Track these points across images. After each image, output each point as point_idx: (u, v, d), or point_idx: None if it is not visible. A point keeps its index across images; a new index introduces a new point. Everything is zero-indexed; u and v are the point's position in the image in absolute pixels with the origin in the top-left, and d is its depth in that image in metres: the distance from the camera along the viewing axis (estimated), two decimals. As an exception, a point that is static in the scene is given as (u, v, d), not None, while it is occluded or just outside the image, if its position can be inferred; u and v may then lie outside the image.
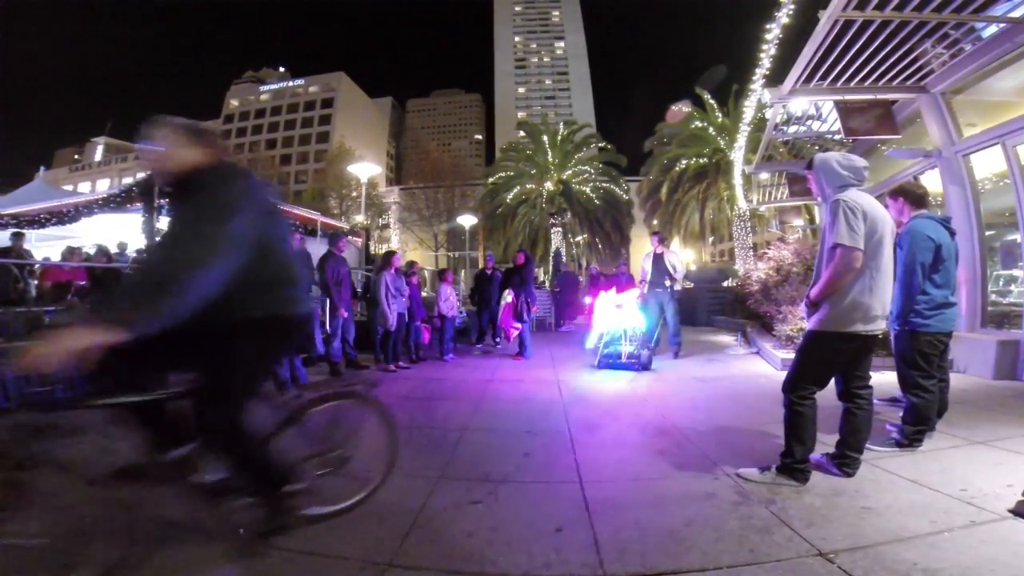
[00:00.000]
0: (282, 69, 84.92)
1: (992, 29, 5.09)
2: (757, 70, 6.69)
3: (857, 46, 5.31)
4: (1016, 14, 4.75)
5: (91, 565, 1.82)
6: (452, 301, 7.87)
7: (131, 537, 1.96)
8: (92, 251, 8.72)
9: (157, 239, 4.43)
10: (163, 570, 1.89)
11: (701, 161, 24.61)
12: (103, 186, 49.42)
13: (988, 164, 5.63)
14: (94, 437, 3.02)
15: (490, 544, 2.07)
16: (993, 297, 5.77)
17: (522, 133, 35.45)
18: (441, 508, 2.42)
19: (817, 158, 2.63)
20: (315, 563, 1.94)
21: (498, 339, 8.89)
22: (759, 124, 9.58)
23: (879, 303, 2.49)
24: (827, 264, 2.52)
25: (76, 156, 78.94)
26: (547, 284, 18.02)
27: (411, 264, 7.88)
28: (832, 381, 2.69)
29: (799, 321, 6.33)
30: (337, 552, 2.01)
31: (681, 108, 26.18)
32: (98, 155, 75.72)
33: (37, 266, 7.76)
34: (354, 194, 36.37)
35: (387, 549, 2.03)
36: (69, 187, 44.10)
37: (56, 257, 8.84)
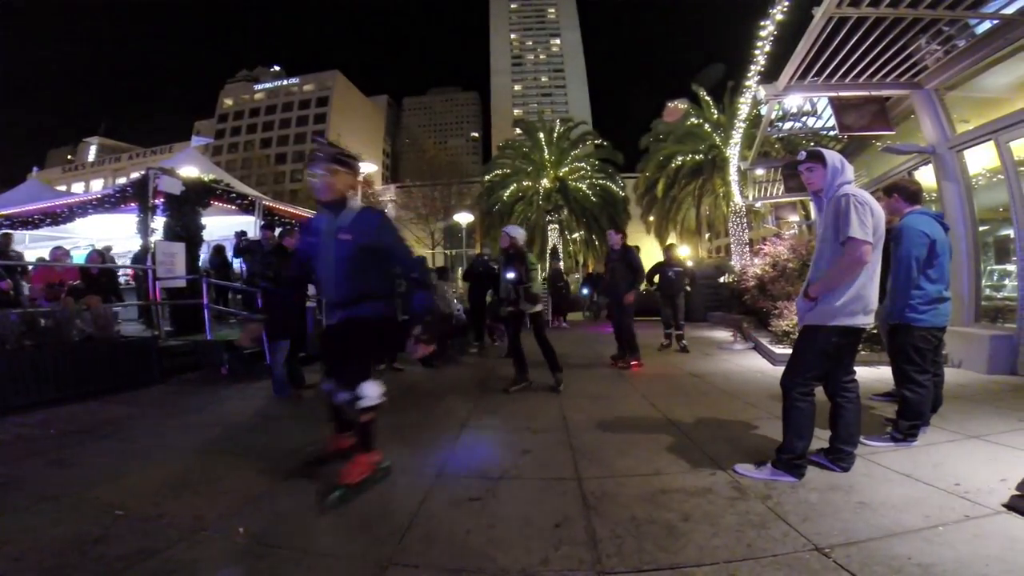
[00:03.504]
0: (276, 68, 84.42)
1: (985, 26, 5.11)
2: (752, 67, 6.70)
3: (852, 42, 5.33)
4: (1009, 11, 4.77)
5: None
6: (448, 298, 7.88)
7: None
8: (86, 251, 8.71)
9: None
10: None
11: (697, 157, 24.62)
12: (97, 186, 49.14)
13: (981, 160, 5.66)
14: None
15: (489, 541, 2.08)
16: (987, 292, 5.80)
17: (518, 130, 35.37)
18: (439, 505, 2.42)
19: (827, 152, 2.64)
20: (315, 561, 1.94)
21: (495, 338, 8.91)
22: (754, 120, 9.59)
23: (875, 296, 2.54)
24: (831, 258, 2.53)
25: (69, 156, 78.44)
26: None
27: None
28: None
29: (795, 316, 6.35)
30: (336, 550, 2.02)
31: (677, 105, 26.15)
32: (92, 155, 75.28)
33: (29, 267, 7.71)
34: (350, 192, 36.16)
35: (386, 547, 2.04)
36: (63, 187, 43.79)
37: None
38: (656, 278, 8.08)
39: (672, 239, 29.21)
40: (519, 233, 5.29)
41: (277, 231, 6.12)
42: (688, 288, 8.16)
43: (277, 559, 1.96)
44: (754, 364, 6.23)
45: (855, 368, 2.76)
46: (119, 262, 9.74)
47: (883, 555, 1.83)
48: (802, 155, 2.71)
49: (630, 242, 6.71)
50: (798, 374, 2.63)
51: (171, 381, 5.71)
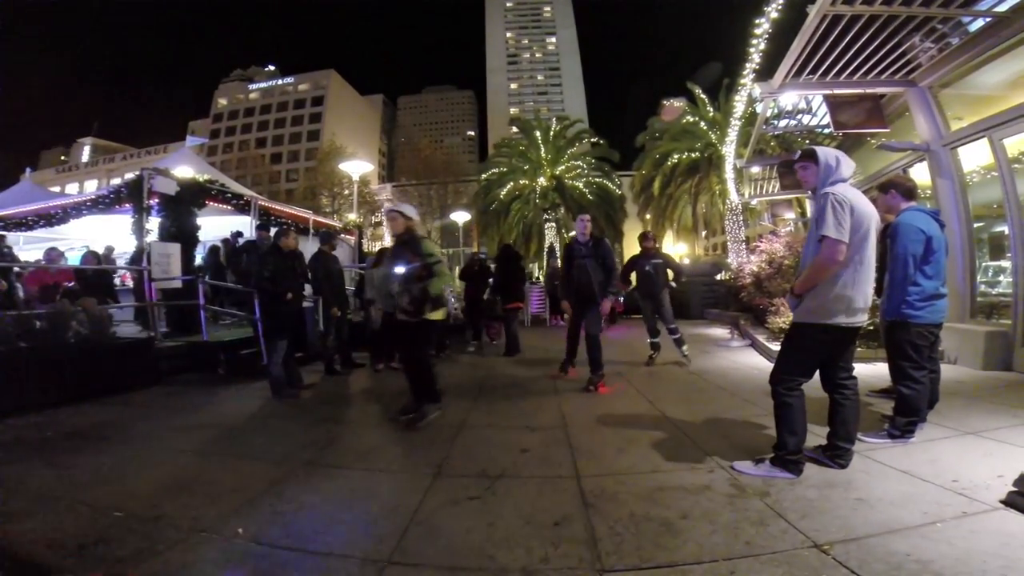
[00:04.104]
0: (271, 67, 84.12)
1: (979, 23, 5.13)
2: (747, 64, 6.71)
3: (846, 40, 5.34)
4: (1001, 9, 4.79)
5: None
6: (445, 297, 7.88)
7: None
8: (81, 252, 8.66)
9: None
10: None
11: (693, 155, 24.64)
12: (91, 187, 48.88)
13: (975, 157, 5.68)
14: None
15: (488, 539, 2.08)
16: (982, 288, 5.83)
17: (515, 129, 35.34)
18: (439, 504, 2.42)
19: (821, 150, 2.65)
20: (314, 561, 1.94)
21: (492, 336, 8.91)
22: (750, 118, 9.60)
23: (862, 296, 2.52)
24: (812, 256, 2.57)
25: (63, 157, 77.95)
26: (541, 279, 18.10)
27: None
28: (817, 373, 2.73)
29: (791, 313, 6.37)
30: (336, 550, 2.02)
31: (672, 103, 26.18)
32: (85, 156, 74.84)
33: (23, 269, 7.65)
34: (346, 192, 36.16)
35: (386, 546, 2.03)
36: (56, 189, 43.53)
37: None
38: (633, 276, 6.66)
39: (669, 237, 29.31)
40: (415, 213, 4.21)
41: (272, 231, 6.11)
42: (674, 284, 6.53)
43: (276, 559, 1.95)
44: (751, 361, 6.25)
45: (854, 365, 2.77)
46: (122, 262, 9.68)
47: (882, 551, 1.84)
48: (797, 154, 2.74)
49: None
50: (783, 371, 2.66)
51: (168, 382, 5.68)
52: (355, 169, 17.51)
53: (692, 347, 7.56)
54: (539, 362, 6.65)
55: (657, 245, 6.75)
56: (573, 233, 5.19)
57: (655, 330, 6.46)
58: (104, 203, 7.95)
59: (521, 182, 29.81)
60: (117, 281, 9.78)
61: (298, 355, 5.47)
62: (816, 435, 2.81)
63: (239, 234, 9.29)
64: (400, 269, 3.91)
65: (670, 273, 6.43)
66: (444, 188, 39.52)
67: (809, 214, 5.67)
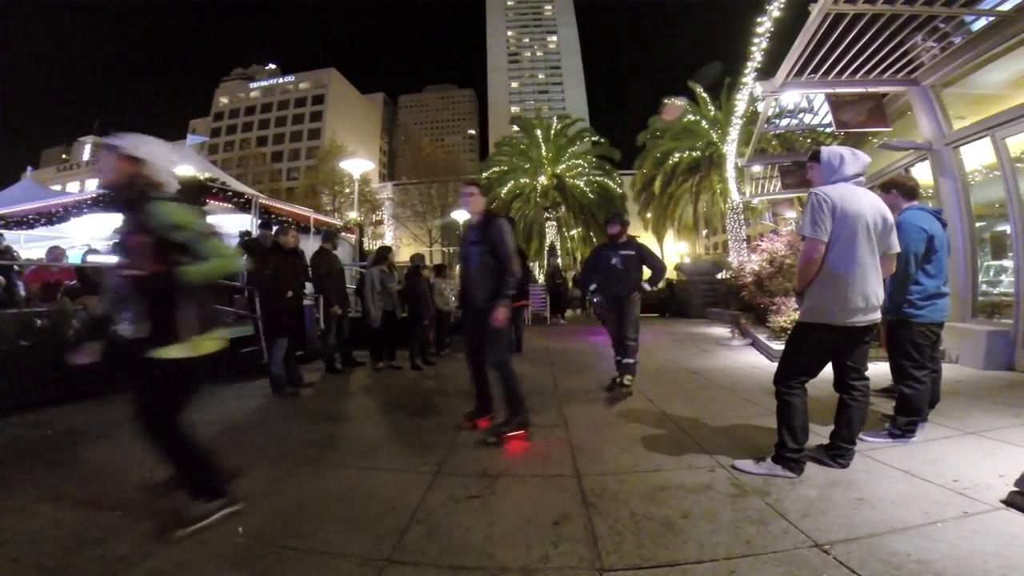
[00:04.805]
0: (272, 66, 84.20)
1: (981, 22, 5.12)
2: (749, 63, 6.70)
3: (848, 39, 5.33)
4: (1004, 8, 4.78)
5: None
6: (447, 295, 7.90)
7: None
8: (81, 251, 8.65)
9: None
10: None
11: (694, 154, 24.68)
12: (92, 185, 48.88)
13: (977, 156, 5.67)
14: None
15: (488, 538, 2.07)
16: (984, 287, 5.82)
17: (516, 128, 35.39)
18: (439, 503, 2.42)
19: (826, 149, 2.66)
20: (314, 560, 1.94)
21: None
22: (751, 117, 9.58)
23: (860, 295, 2.48)
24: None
25: (64, 156, 78.07)
26: (541, 278, 18.12)
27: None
28: (831, 372, 2.73)
29: (793, 312, 6.38)
30: (336, 549, 2.01)
31: (673, 102, 26.17)
32: (86, 154, 74.87)
33: (25, 267, 7.65)
34: (347, 190, 36.14)
35: (386, 545, 2.03)
36: (57, 187, 43.59)
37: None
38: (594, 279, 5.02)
39: (670, 235, 29.31)
40: (162, 152, 2.37)
41: (274, 229, 6.10)
42: (648, 285, 4.91)
43: (277, 558, 1.95)
44: (752, 360, 6.24)
45: (868, 366, 2.75)
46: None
47: (882, 551, 1.83)
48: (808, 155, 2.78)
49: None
50: (785, 368, 2.66)
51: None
52: (356, 167, 17.51)
53: (693, 346, 7.57)
54: (541, 360, 6.65)
55: (630, 234, 5.13)
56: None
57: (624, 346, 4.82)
58: (105, 201, 7.95)
59: (522, 181, 29.87)
60: None
61: (298, 353, 5.47)
62: (818, 434, 2.81)
63: (247, 234, 9.30)
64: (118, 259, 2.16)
65: (646, 272, 4.93)
66: (445, 187, 39.49)
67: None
